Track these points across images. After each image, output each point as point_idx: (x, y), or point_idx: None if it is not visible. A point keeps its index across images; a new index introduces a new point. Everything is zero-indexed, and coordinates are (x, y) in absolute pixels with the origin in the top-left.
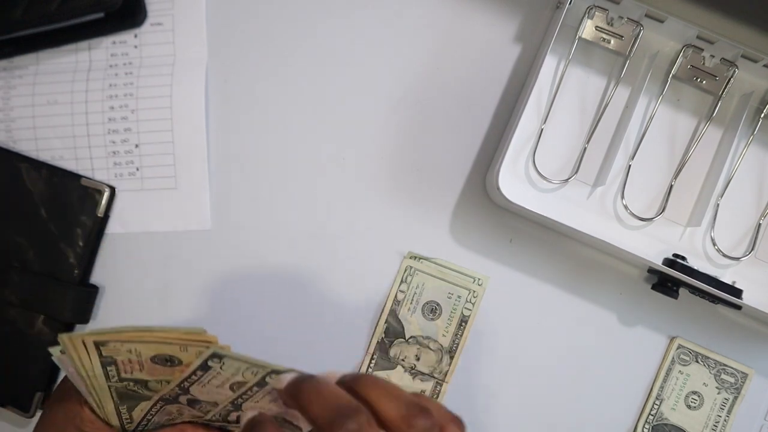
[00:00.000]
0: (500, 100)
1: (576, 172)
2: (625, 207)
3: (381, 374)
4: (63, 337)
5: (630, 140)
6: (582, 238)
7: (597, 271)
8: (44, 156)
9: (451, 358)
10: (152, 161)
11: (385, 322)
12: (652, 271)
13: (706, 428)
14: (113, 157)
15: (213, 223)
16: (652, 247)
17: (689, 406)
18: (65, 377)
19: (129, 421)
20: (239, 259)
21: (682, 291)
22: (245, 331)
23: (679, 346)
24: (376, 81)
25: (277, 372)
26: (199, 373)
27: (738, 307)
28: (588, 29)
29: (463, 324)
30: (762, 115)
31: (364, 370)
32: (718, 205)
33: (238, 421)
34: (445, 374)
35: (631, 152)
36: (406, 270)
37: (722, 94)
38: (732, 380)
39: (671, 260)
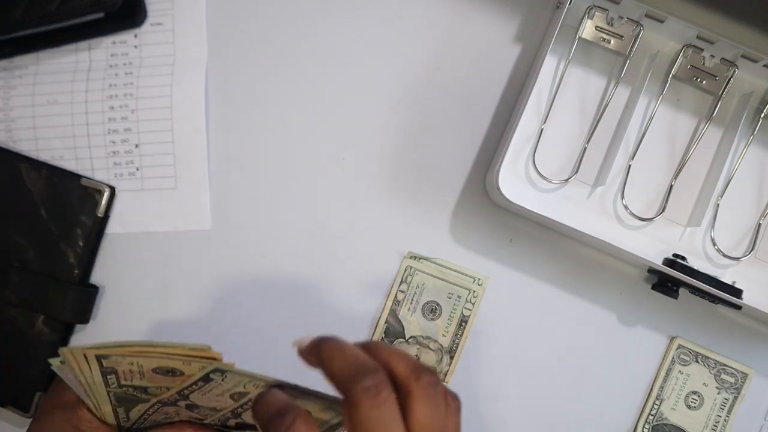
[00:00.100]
0: (500, 100)
1: (576, 172)
2: (625, 207)
3: None
4: (64, 351)
5: (630, 140)
6: (582, 238)
7: (597, 271)
8: (44, 156)
9: (451, 358)
10: (152, 161)
11: (385, 322)
12: (652, 271)
13: (706, 428)
14: (113, 157)
15: (213, 223)
16: (652, 247)
17: (689, 406)
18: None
19: (126, 419)
20: (239, 259)
21: (682, 291)
22: (245, 331)
23: (679, 346)
24: (376, 81)
25: (281, 386)
26: (200, 383)
27: (738, 307)
28: (588, 29)
29: (463, 324)
30: (762, 115)
31: None
32: (718, 205)
33: (237, 427)
34: (445, 374)
35: (631, 152)
36: (406, 270)
37: (722, 94)
38: (732, 380)
39: (671, 260)
